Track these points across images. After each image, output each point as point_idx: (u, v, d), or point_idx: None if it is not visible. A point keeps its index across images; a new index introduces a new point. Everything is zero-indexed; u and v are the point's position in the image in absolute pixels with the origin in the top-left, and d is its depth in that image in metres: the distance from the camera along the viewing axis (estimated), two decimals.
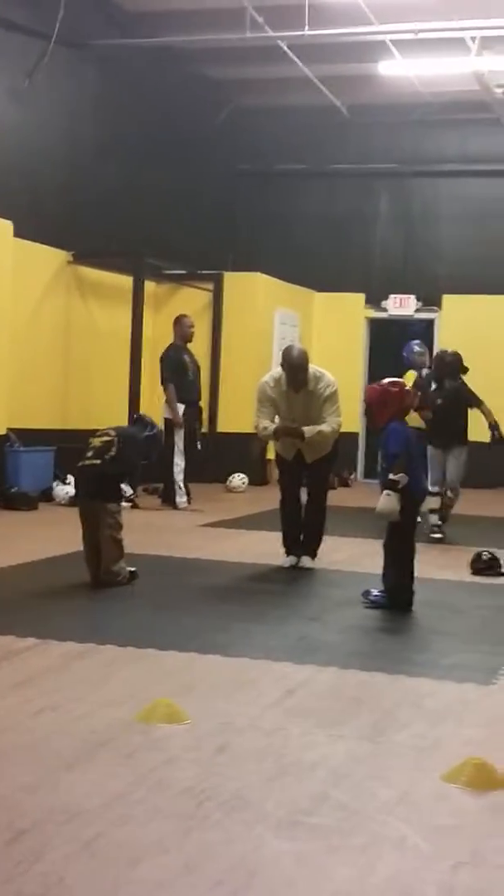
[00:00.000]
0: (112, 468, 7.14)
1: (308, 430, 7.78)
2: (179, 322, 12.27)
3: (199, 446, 12.04)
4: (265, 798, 3.48)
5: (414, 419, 10.53)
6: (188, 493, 11.84)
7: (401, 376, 11.16)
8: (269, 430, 7.90)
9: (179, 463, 11.68)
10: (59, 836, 3.12)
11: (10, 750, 3.86)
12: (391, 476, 6.44)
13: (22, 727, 4.11)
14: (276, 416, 7.95)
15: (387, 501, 6.40)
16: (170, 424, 11.63)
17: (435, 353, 11.29)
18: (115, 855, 3.02)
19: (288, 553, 8.08)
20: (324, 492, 8.23)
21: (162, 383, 11.90)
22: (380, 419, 6.69)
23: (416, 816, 3.39)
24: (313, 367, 7.93)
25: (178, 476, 11.69)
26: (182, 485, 11.72)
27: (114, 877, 2.90)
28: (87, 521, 7.08)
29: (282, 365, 7.94)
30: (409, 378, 10.66)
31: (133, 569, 7.15)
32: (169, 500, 11.78)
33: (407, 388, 6.96)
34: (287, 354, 7.94)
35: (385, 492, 6.44)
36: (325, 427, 7.80)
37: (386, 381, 6.93)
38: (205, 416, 12.56)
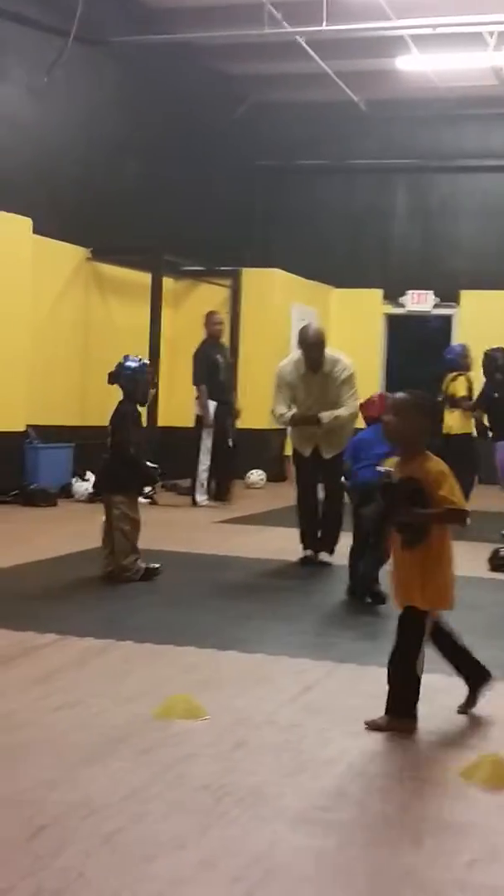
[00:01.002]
0: (114, 458, 7.18)
1: (326, 416, 7.78)
2: (208, 319, 12.32)
3: (230, 444, 12.06)
4: (283, 794, 3.50)
5: (460, 425, 10.70)
6: (223, 492, 11.83)
7: (441, 378, 11.24)
8: (287, 415, 7.92)
9: (204, 461, 11.68)
10: (78, 831, 3.16)
11: (30, 745, 3.89)
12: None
13: (42, 723, 4.15)
14: (293, 405, 7.96)
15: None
16: (199, 422, 11.67)
17: (485, 351, 11.22)
18: (134, 850, 3.05)
19: (305, 548, 8.12)
20: (341, 489, 8.13)
21: (193, 382, 11.88)
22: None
23: (432, 813, 3.41)
24: (330, 351, 7.94)
25: (203, 474, 11.70)
26: (205, 482, 11.72)
27: (133, 872, 2.93)
28: (105, 515, 7.15)
29: (299, 345, 7.96)
30: (461, 384, 10.65)
31: (156, 565, 7.17)
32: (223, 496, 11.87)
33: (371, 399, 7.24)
34: (303, 333, 7.96)
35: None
36: (342, 411, 7.80)
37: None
38: (238, 413, 12.47)
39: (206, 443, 11.69)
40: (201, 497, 11.70)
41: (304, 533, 8.17)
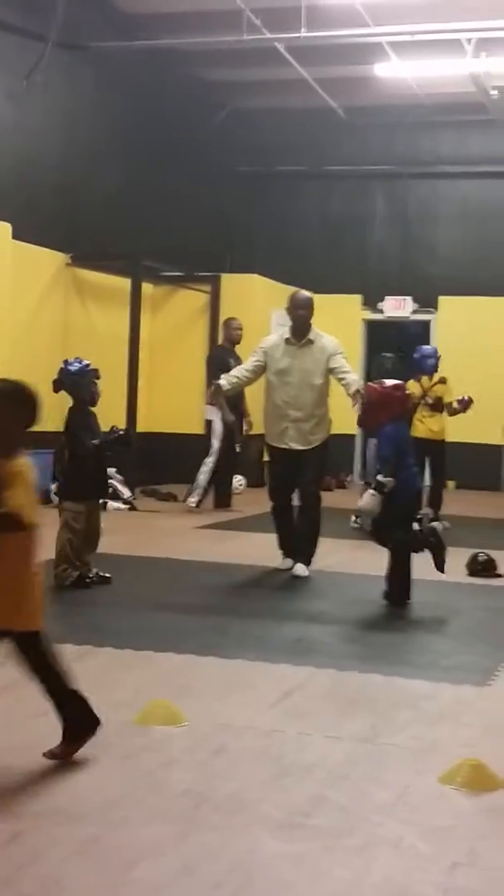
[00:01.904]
0: (68, 466, 7.17)
1: (354, 384, 7.45)
2: (227, 325, 12.30)
3: (237, 449, 12.02)
4: (263, 799, 3.49)
5: (423, 429, 10.62)
6: (224, 498, 11.80)
7: (417, 381, 11.15)
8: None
9: (208, 463, 11.61)
10: (57, 837, 3.14)
11: (7, 751, 3.86)
12: (379, 477, 6.61)
13: (19, 729, 4.12)
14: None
15: (369, 500, 6.64)
16: (209, 425, 11.61)
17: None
18: (113, 857, 3.03)
19: (285, 556, 8.01)
20: (317, 497, 7.94)
21: (207, 384, 11.79)
22: (375, 420, 6.73)
23: (413, 817, 3.41)
24: (317, 329, 7.91)
25: (203, 476, 11.62)
26: (203, 486, 11.63)
27: (112, 879, 2.91)
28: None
29: (288, 309, 7.95)
30: (412, 386, 10.55)
31: (107, 574, 7.09)
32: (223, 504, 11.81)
33: (408, 392, 7.01)
34: (293, 295, 8.03)
35: (370, 490, 6.58)
36: (351, 376, 7.61)
37: (389, 382, 6.95)
38: (246, 419, 12.39)
39: (216, 445, 11.60)
40: (193, 499, 11.61)
41: (282, 539, 7.99)
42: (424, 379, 10.97)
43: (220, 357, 11.86)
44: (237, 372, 8.15)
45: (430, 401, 10.84)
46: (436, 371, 11.14)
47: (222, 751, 3.95)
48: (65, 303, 12.96)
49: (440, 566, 6.77)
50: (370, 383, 7.10)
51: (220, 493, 11.92)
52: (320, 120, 16.21)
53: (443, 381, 11.00)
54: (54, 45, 12.05)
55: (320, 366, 7.77)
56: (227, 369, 11.55)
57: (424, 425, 10.75)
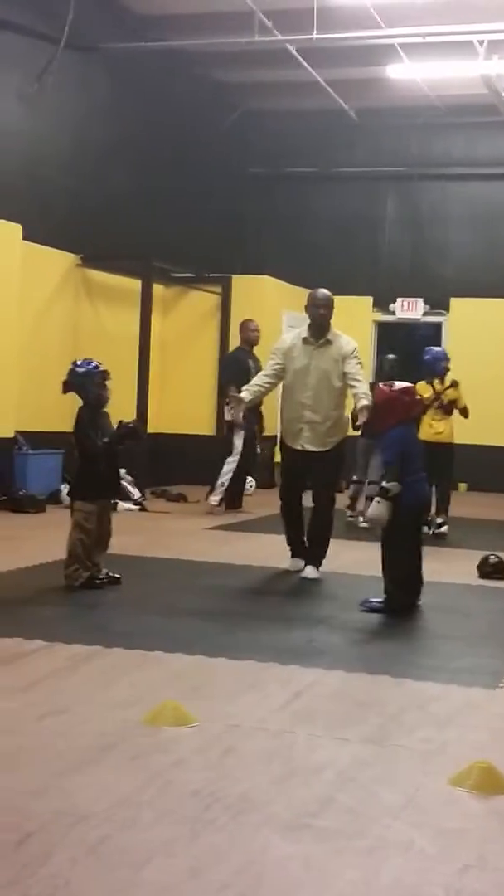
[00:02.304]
0: (80, 466, 7.18)
1: (363, 401, 7.33)
2: (244, 326, 12.20)
3: (258, 450, 12.00)
4: (272, 801, 3.48)
5: (430, 433, 10.55)
6: (237, 498, 11.79)
7: (429, 384, 11.08)
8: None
9: (231, 462, 11.53)
10: (65, 838, 3.13)
11: (17, 752, 3.87)
12: (383, 484, 6.48)
13: (29, 730, 4.12)
14: (273, 377, 7.79)
15: (376, 508, 6.49)
16: (231, 426, 11.58)
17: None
18: (121, 858, 3.03)
19: (293, 554, 7.99)
20: (331, 499, 7.93)
21: (222, 384, 11.79)
22: (382, 423, 6.67)
23: (423, 820, 3.40)
24: (335, 329, 7.86)
25: (225, 476, 11.54)
26: (225, 485, 11.56)
27: (120, 880, 2.90)
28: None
29: (307, 307, 7.90)
30: (423, 388, 10.49)
31: (117, 575, 7.10)
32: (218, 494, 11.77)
33: (418, 396, 6.93)
34: (312, 293, 7.97)
35: (376, 499, 6.48)
36: (361, 388, 7.50)
37: (398, 385, 6.87)
38: (264, 420, 12.38)
39: (238, 445, 11.55)
40: (214, 498, 11.52)
41: (290, 538, 7.99)
42: (437, 382, 10.90)
43: (239, 359, 11.78)
44: (258, 381, 7.98)
45: (444, 402, 10.77)
46: (447, 373, 11.06)
47: (232, 752, 3.95)
48: (75, 304, 12.98)
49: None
50: (379, 385, 7.04)
51: (233, 494, 11.89)
52: (332, 122, 16.21)
53: (455, 384, 10.94)
54: (65, 46, 12.08)
55: (338, 367, 7.69)
56: (247, 371, 11.56)
57: (433, 429, 10.69)
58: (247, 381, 11.52)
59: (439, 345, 15.78)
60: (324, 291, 7.98)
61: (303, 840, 3.20)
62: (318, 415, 7.67)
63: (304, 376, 7.72)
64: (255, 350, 11.90)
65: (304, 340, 7.79)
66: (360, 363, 7.78)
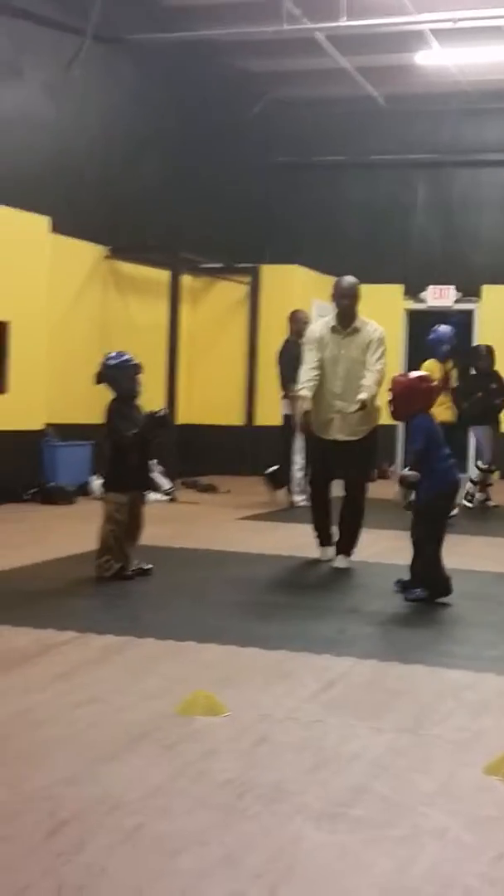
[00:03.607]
0: (110, 457, 7.20)
1: (359, 402, 7.42)
2: (295, 318, 11.85)
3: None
4: (305, 790, 3.47)
5: (441, 412, 10.49)
6: (305, 491, 11.76)
7: (454, 366, 11.04)
8: (305, 400, 7.64)
9: (299, 461, 11.33)
10: (100, 826, 3.14)
11: (51, 742, 3.88)
12: (403, 471, 6.66)
13: (63, 719, 4.13)
14: (319, 367, 7.66)
15: (396, 493, 6.69)
16: (289, 422, 11.46)
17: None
18: (156, 846, 3.03)
19: (322, 543, 7.96)
20: (362, 491, 7.87)
21: (282, 382, 11.55)
22: (403, 412, 6.66)
23: (458, 808, 3.37)
24: (363, 317, 7.77)
25: (298, 473, 11.36)
26: (301, 481, 11.35)
27: (155, 867, 2.90)
28: None
29: (332, 296, 7.80)
30: (431, 367, 10.43)
31: (148, 566, 7.11)
32: (274, 487, 11.74)
33: (434, 384, 6.94)
34: (338, 281, 7.84)
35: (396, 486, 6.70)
36: (369, 380, 7.49)
37: (414, 374, 6.91)
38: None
39: (299, 442, 11.43)
40: (298, 497, 11.23)
41: (318, 526, 7.96)
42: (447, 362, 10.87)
43: (292, 353, 11.58)
44: (308, 375, 7.73)
45: (451, 384, 10.75)
46: (449, 358, 10.94)
47: (264, 741, 3.94)
48: (103, 295, 13.00)
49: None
50: (396, 376, 7.01)
51: (279, 479, 11.74)
52: (361, 109, 16.12)
53: (456, 364, 11.00)
54: (93, 38, 12.09)
55: (364, 351, 7.65)
56: (300, 363, 11.44)
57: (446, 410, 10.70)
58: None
59: (471, 333, 15.74)
60: (349, 280, 7.86)
61: (337, 829, 3.19)
62: (348, 403, 7.61)
63: (333, 366, 7.67)
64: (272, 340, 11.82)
65: (333, 329, 7.74)
66: (383, 351, 7.68)
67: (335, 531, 7.94)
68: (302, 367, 7.81)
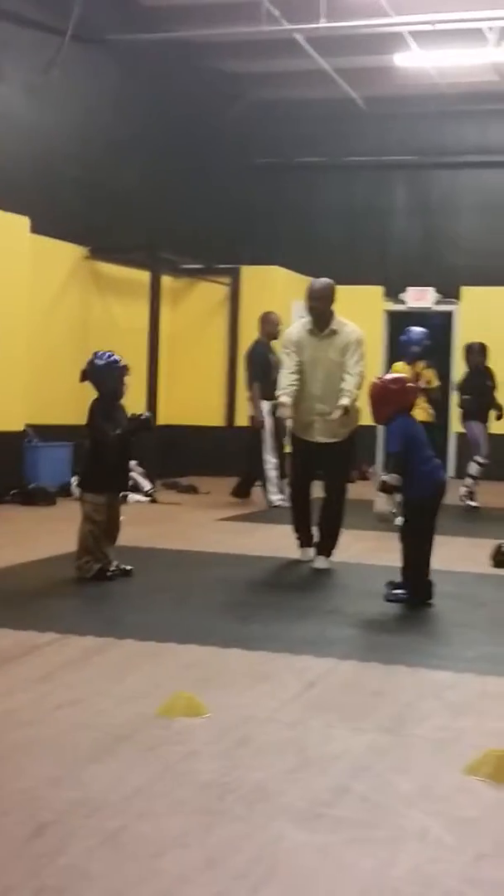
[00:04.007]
0: (88, 456, 7.18)
1: (339, 410, 7.42)
2: (267, 319, 11.88)
3: (285, 444, 11.99)
4: (286, 791, 3.48)
5: (419, 413, 10.54)
6: (245, 490, 11.81)
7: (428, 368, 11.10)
8: (286, 407, 7.54)
9: (270, 460, 11.40)
10: (81, 829, 3.13)
11: (32, 744, 3.87)
12: (382, 477, 6.46)
13: (43, 721, 4.12)
14: (298, 371, 7.61)
15: (379, 502, 6.36)
16: (254, 422, 11.52)
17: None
18: (137, 848, 3.02)
19: (302, 544, 7.95)
20: (342, 490, 7.90)
21: (248, 381, 11.67)
22: (381, 415, 6.64)
23: (438, 808, 3.39)
24: (339, 317, 7.71)
25: (271, 473, 11.40)
26: (275, 481, 11.41)
27: (137, 870, 2.90)
28: None
29: (306, 298, 7.72)
30: (400, 369, 10.45)
31: (128, 567, 7.10)
32: (241, 494, 11.81)
33: (410, 384, 6.86)
34: (311, 284, 7.74)
35: (378, 493, 6.41)
36: (350, 384, 7.47)
37: (388, 377, 6.91)
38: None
39: (268, 441, 11.45)
40: (275, 497, 11.30)
41: (298, 527, 7.96)
42: (419, 363, 10.97)
43: (261, 353, 11.66)
44: (288, 380, 7.64)
45: (424, 384, 10.80)
46: (418, 360, 11.00)
47: (245, 742, 3.94)
48: (84, 296, 12.97)
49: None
50: (373, 380, 7.01)
51: (244, 483, 11.82)
52: (340, 111, 16.16)
53: (430, 365, 11.10)
54: (72, 38, 12.07)
55: (342, 353, 7.62)
56: (269, 365, 11.52)
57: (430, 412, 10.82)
58: (270, 374, 11.60)
59: (450, 334, 15.82)
60: (320, 282, 7.76)
61: (318, 830, 3.20)
62: (329, 406, 7.60)
63: (313, 369, 7.65)
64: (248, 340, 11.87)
65: (310, 332, 7.70)
66: (362, 353, 7.64)
67: (315, 532, 7.94)
68: (281, 372, 7.79)
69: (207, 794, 3.42)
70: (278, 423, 11.35)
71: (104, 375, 7.10)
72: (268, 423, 11.39)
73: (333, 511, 7.82)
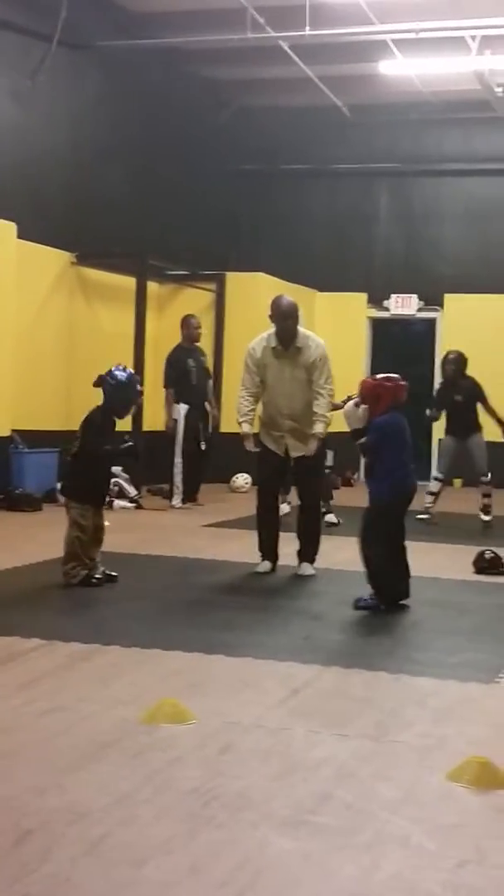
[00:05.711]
0: (75, 465, 7.19)
1: (318, 429, 7.49)
2: (187, 323, 12.29)
3: (202, 447, 12.08)
4: (270, 797, 3.50)
5: None
6: (190, 493, 11.90)
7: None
8: (245, 428, 7.60)
9: (178, 463, 11.75)
10: (65, 836, 3.14)
11: (16, 750, 3.88)
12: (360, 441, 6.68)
13: (28, 728, 4.13)
14: (260, 390, 7.63)
15: (349, 409, 6.71)
16: (174, 426, 11.75)
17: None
18: (121, 855, 3.04)
19: (264, 557, 7.84)
20: (317, 498, 7.99)
21: (165, 383, 12.00)
22: (374, 413, 6.71)
23: (421, 815, 3.41)
24: (303, 329, 7.66)
25: (177, 477, 11.79)
26: (179, 484, 11.76)
27: (121, 877, 2.91)
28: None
29: (271, 317, 7.65)
30: None
31: (113, 573, 7.11)
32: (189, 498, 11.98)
33: (401, 382, 6.90)
34: (276, 303, 7.64)
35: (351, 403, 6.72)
36: (323, 405, 7.50)
37: (380, 375, 6.97)
38: (212, 417, 12.45)
39: (179, 444, 11.73)
40: (176, 500, 11.76)
41: (262, 540, 7.85)
42: None
43: (178, 357, 11.99)
44: (245, 403, 7.67)
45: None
46: None
47: (230, 749, 3.96)
48: (70, 302, 12.97)
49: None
50: (364, 379, 7.08)
51: (189, 489, 12.00)
52: (325, 118, 16.22)
53: None
54: (59, 44, 12.08)
55: (307, 372, 7.57)
56: (185, 370, 11.75)
57: None
58: (187, 378, 11.79)
59: (433, 341, 15.88)
60: (287, 299, 7.71)
61: (301, 836, 3.21)
62: (298, 423, 7.65)
63: (279, 386, 7.62)
64: (237, 346, 11.95)
65: (274, 350, 7.62)
66: (328, 369, 7.59)
67: (296, 542, 7.90)
68: (239, 395, 7.74)
69: (192, 801, 3.44)
70: (189, 426, 11.57)
71: (120, 391, 7.11)
72: (180, 426, 11.62)
73: (311, 517, 7.89)
